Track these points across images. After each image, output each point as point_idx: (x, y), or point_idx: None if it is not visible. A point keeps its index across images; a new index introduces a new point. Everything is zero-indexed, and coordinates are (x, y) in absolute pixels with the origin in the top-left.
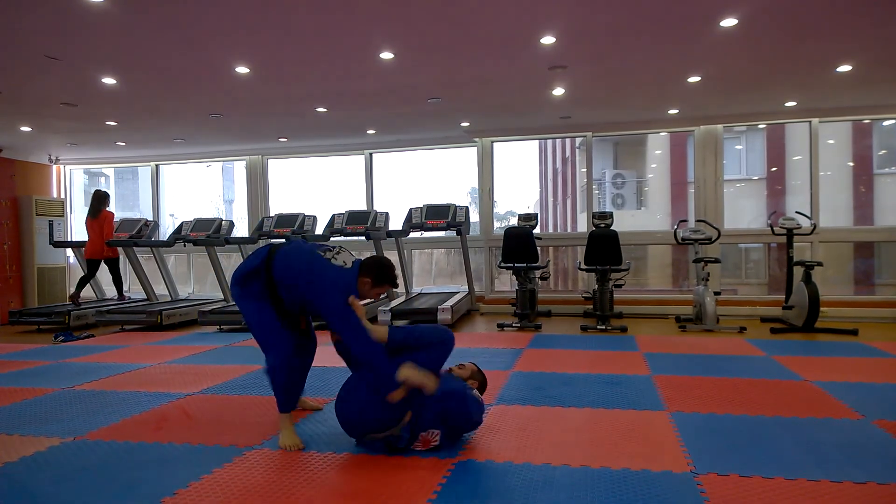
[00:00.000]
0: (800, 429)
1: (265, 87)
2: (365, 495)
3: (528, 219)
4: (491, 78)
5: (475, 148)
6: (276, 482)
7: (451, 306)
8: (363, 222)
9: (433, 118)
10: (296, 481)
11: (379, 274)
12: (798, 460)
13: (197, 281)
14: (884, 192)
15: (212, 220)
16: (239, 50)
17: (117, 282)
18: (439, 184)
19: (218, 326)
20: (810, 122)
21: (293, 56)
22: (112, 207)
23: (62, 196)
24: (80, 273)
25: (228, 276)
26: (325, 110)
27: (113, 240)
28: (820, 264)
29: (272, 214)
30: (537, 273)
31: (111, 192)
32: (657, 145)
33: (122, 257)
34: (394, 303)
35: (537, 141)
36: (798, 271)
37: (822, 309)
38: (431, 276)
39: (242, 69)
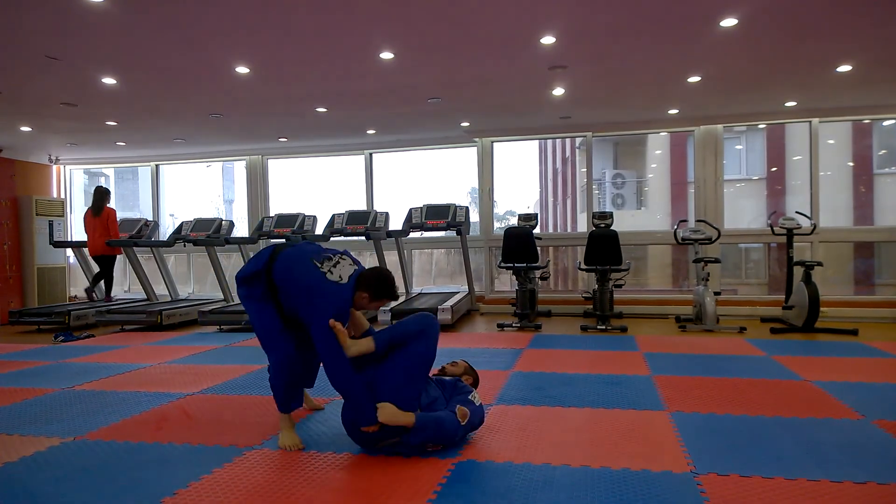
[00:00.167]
0: (800, 429)
1: (265, 87)
2: (365, 495)
3: (528, 219)
4: (491, 78)
5: (475, 148)
6: (276, 482)
7: (451, 306)
8: (363, 222)
9: (433, 118)
10: (296, 481)
11: (377, 289)
12: (798, 460)
13: (197, 281)
14: (884, 192)
15: (212, 220)
16: (239, 50)
17: (108, 282)
18: (439, 184)
19: (218, 326)
20: (810, 122)
21: (293, 56)
22: (112, 207)
23: (62, 196)
24: (80, 273)
25: (228, 275)
26: (325, 110)
27: (113, 240)
28: (820, 264)
29: (272, 214)
30: (537, 273)
31: (111, 192)
32: (657, 145)
33: (121, 257)
34: (394, 303)
35: (537, 141)
36: (798, 271)
37: (822, 309)
38: (431, 276)
39: (242, 69)
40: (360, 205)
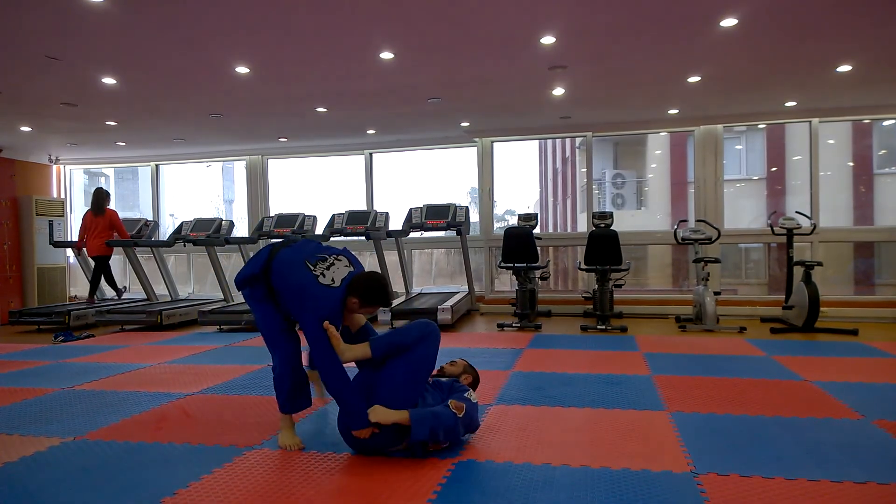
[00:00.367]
0: (800, 429)
1: (265, 87)
2: (365, 495)
3: (528, 219)
4: (491, 78)
5: (475, 148)
6: (276, 482)
7: (451, 306)
8: (363, 222)
9: (433, 118)
10: (296, 481)
11: (368, 296)
12: (798, 460)
13: (197, 281)
14: (884, 192)
15: (212, 220)
16: (239, 50)
17: (96, 282)
18: (439, 184)
19: (218, 326)
20: (810, 122)
21: (293, 56)
22: (112, 207)
23: (62, 196)
24: (80, 273)
25: (229, 275)
26: (325, 110)
27: (113, 240)
28: (820, 264)
29: (272, 214)
30: (537, 273)
31: (111, 192)
32: (657, 145)
33: (121, 257)
34: (394, 303)
35: (537, 141)
36: (798, 271)
37: (822, 309)
38: (431, 276)
39: (242, 69)
40: (360, 205)
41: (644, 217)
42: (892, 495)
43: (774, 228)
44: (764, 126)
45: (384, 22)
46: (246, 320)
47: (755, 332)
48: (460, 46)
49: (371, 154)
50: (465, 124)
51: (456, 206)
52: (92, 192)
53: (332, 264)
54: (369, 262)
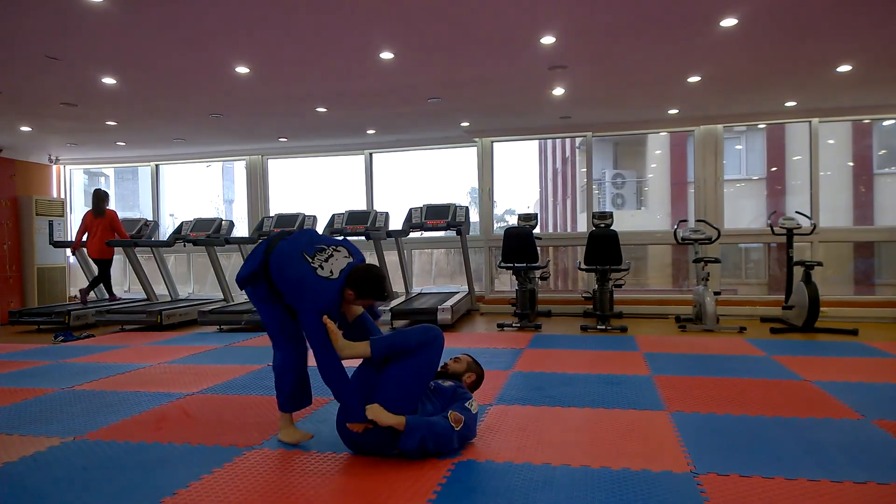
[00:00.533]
0: (800, 429)
1: (265, 87)
2: (365, 495)
3: (527, 219)
4: (491, 78)
5: (475, 148)
6: (276, 482)
7: (451, 306)
8: (363, 222)
9: (433, 118)
10: (296, 481)
11: (363, 288)
12: (798, 460)
13: (197, 281)
14: (884, 192)
15: (212, 220)
16: (239, 50)
17: (95, 283)
18: (439, 184)
19: (218, 326)
20: (810, 122)
21: (293, 56)
22: (112, 207)
23: (62, 196)
24: (80, 273)
25: (229, 275)
26: (325, 110)
27: (113, 240)
28: (820, 264)
29: (272, 214)
30: (537, 273)
31: (111, 192)
32: (657, 145)
33: (122, 257)
34: (394, 303)
35: (537, 141)
36: (798, 271)
37: (822, 309)
38: (431, 276)
39: (242, 69)
40: (360, 205)
41: (644, 217)
42: (892, 495)
43: (774, 228)
44: (764, 126)
45: (384, 22)
46: (246, 320)
47: (755, 332)
48: (460, 46)
49: (371, 154)
50: (465, 124)
51: (456, 206)
52: (91, 192)
53: (331, 255)
54: (370, 262)
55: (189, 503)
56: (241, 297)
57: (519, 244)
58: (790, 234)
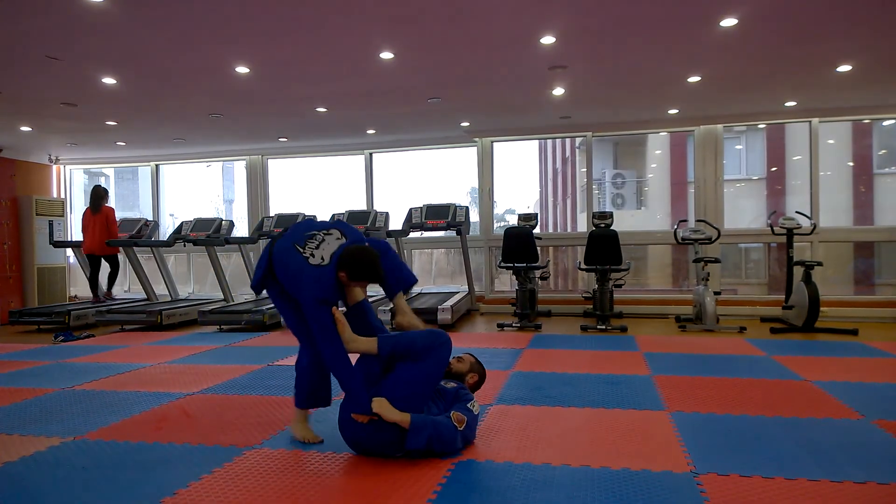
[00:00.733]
0: (800, 429)
1: (265, 87)
2: (365, 495)
3: (528, 219)
4: (491, 78)
5: (475, 148)
6: (276, 482)
7: (451, 306)
8: (363, 222)
9: (433, 118)
10: (296, 481)
11: (353, 271)
12: (798, 460)
13: (197, 281)
14: (884, 192)
15: (212, 220)
16: (239, 50)
17: (111, 281)
18: (439, 184)
19: (218, 326)
20: (810, 122)
21: (293, 56)
22: (111, 205)
23: (62, 196)
24: (80, 273)
25: (229, 275)
26: (325, 110)
27: (113, 240)
28: (820, 264)
29: (272, 214)
30: (537, 273)
31: (111, 192)
32: (657, 145)
33: (121, 257)
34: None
35: (537, 141)
36: (798, 271)
37: (822, 309)
38: (431, 276)
39: (242, 69)
40: (360, 205)
41: (644, 217)
42: (892, 495)
43: (774, 228)
44: (764, 126)
45: (384, 22)
46: (246, 320)
47: (755, 332)
48: (460, 46)
49: (371, 154)
50: (465, 124)
51: (456, 206)
52: (91, 190)
53: (322, 240)
54: None
55: (189, 503)
56: (240, 297)
57: (519, 244)
58: (790, 234)
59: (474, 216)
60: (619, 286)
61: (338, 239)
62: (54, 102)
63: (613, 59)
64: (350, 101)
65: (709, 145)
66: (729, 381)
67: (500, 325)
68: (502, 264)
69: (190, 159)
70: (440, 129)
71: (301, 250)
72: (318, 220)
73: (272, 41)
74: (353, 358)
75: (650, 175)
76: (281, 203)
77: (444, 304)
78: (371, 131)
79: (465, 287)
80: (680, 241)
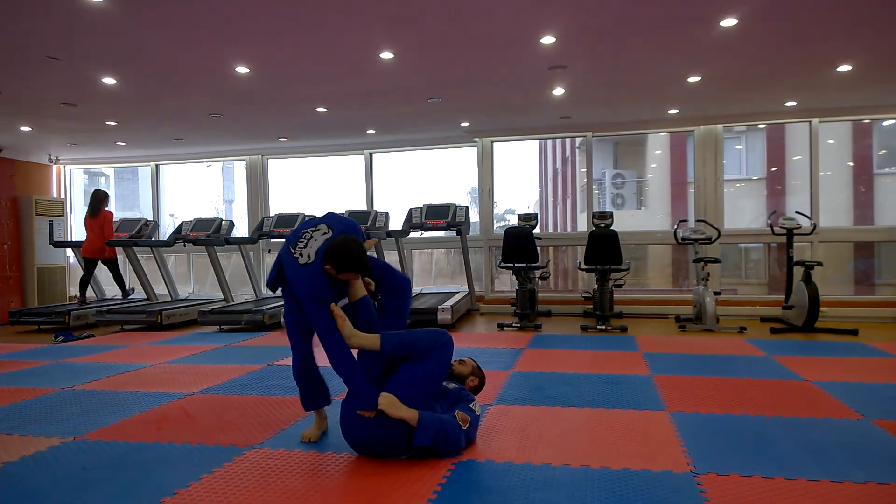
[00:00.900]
0: (800, 429)
1: (265, 87)
2: (365, 495)
3: (528, 219)
4: (491, 78)
5: (475, 148)
6: (276, 482)
7: (451, 306)
8: (363, 222)
9: (433, 118)
10: (296, 481)
11: (337, 263)
12: (798, 460)
13: (197, 281)
14: (884, 192)
15: (212, 220)
16: (239, 50)
17: (119, 281)
18: (439, 184)
19: (218, 326)
20: (810, 122)
21: (293, 56)
22: (112, 207)
23: (62, 196)
24: (80, 273)
25: (229, 275)
26: (325, 110)
27: (113, 240)
28: (820, 264)
29: (272, 214)
30: (537, 273)
31: (111, 192)
32: (657, 145)
33: (121, 257)
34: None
35: (537, 141)
36: (798, 271)
37: (822, 309)
38: (431, 276)
39: (242, 69)
40: (360, 205)
41: (644, 217)
42: (892, 495)
43: (774, 228)
44: (764, 126)
45: (384, 22)
46: (246, 320)
47: (755, 332)
48: (460, 46)
49: (371, 154)
50: (465, 124)
51: (456, 206)
52: (91, 192)
53: (311, 238)
54: None
55: (189, 503)
56: (240, 297)
57: (519, 244)
58: (790, 234)
59: (474, 216)
60: (619, 286)
61: (324, 234)
62: (54, 102)
63: (613, 59)
64: (350, 101)
65: (709, 145)
66: (729, 381)
67: (500, 325)
68: (502, 264)
69: (190, 159)
70: (440, 129)
71: (293, 252)
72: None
73: (272, 41)
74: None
75: (650, 175)
76: (281, 203)
77: (444, 304)
78: (371, 131)
79: (465, 287)
80: (680, 241)
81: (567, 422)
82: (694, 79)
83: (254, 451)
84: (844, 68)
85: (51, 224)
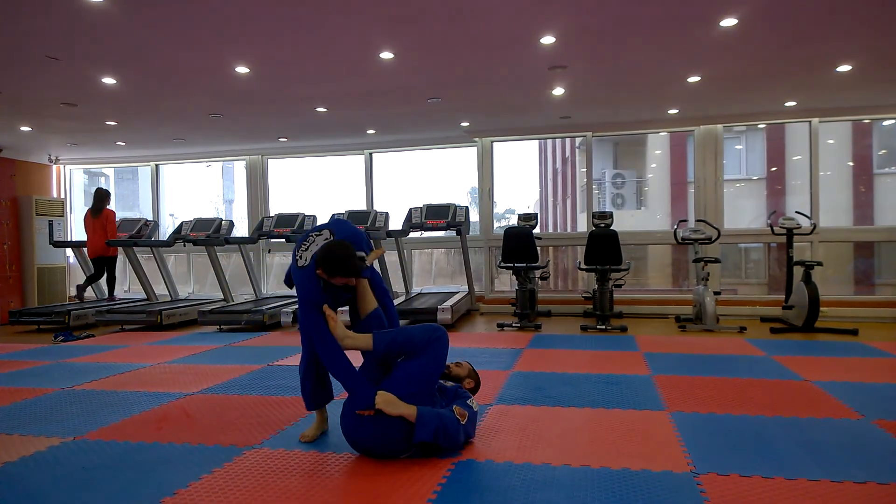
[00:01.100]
0: (800, 429)
1: (265, 87)
2: (365, 495)
3: (527, 218)
4: (491, 78)
5: (475, 148)
6: (276, 482)
7: (451, 306)
8: (363, 222)
9: (433, 118)
10: (296, 481)
11: (327, 266)
12: (798, 460)
13: (197, 281)
14: (884, 192)
15: (212, 220)
16: (239, 50)
17: (111, 282)
18: (439, 184)
19: (218, 326)
20: (810, 122)
21: (293, 56)
22: (112, 207)
23: (62, 196)
24: (80, 273)
25: (228, 275)
26: (325, 110)
27: (113, 240)
28: (820, 264)
29: (272, 214)
30: (537, 273)
31: (111, 192)
32: (657, 145)
33: (121, 257)
34: (394, 302)
35: (537, 141)
36: (798, 271)
37: (822, 309)
38: (431, 276)
39: (242, 69)
40: (360, 205)
41: (644, 217)
42: (892, 495)
43: (774, 228)
44: (764, 126)
45: (384, 22)
46: (246, 320)
47: (755, 332)
48: (460, 46)
49: (371, 154)
50: (465, 124)
51: (456, 206)
52: (93, 191)
53: (313, 242)
54: None
55: (189, 503)
56: (240, 297)
57: (519, 244)
58: (790, 234)
59: (474, 216)
60: (619, 286)
61: (325, 239)
62: (54, 102)
63: (613, 59)
64: (350, 101)
65: (709, 145)
66: (729, 381)
67: (500, 325)
68: (502, 264)
69: (190, 159)
70: (440, 129)
71: (297, 254)
72: (319, 220)
73: (272, 41)
74: (353, 355)
75: (650, 175)
76: (281, 203)
77: (444, 303)
78: (371, 131)
79: (465, 287)
80: (680, 241)
81: (567, 422)
82: (694, 79)
83: (254, 451)
84: (844, 68)
85: (51, 224)
